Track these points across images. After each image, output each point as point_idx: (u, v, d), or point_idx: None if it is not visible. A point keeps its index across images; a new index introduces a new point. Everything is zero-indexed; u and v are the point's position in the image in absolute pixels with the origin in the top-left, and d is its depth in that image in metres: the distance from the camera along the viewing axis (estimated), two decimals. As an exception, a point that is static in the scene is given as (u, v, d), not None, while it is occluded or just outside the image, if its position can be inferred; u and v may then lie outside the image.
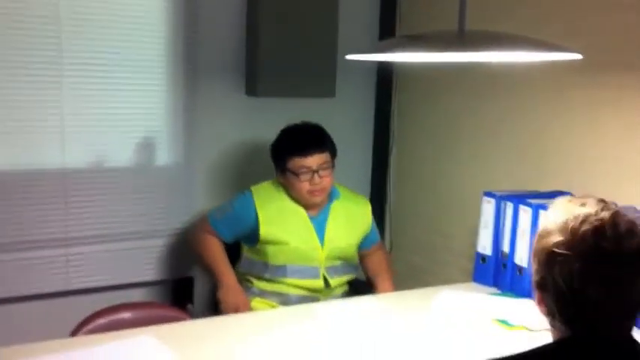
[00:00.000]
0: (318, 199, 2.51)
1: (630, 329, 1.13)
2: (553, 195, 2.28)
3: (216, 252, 2.58)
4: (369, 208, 2.70)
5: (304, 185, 2.47)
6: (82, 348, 1.80)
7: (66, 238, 2.73)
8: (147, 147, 2.86)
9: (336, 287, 2.58)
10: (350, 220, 2.61)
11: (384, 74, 3.26)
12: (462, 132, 2.91)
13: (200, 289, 2.97)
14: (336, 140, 2.59)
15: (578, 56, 1.48)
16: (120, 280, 2.85)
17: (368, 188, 3.33)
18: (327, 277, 2.54)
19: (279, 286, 2.52)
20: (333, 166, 2.53)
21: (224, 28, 2.93)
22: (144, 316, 2.13)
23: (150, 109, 2.83)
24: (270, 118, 2.94)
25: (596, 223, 1.10)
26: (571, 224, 1.10)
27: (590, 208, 1.13)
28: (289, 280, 2.51)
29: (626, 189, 2.20)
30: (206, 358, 1.80)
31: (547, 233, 1.14)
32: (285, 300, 2.49)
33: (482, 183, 2.65)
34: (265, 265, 2.53)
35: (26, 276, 2.68)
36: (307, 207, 2.54)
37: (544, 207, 2.11)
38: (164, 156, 2.90)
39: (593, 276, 1.08)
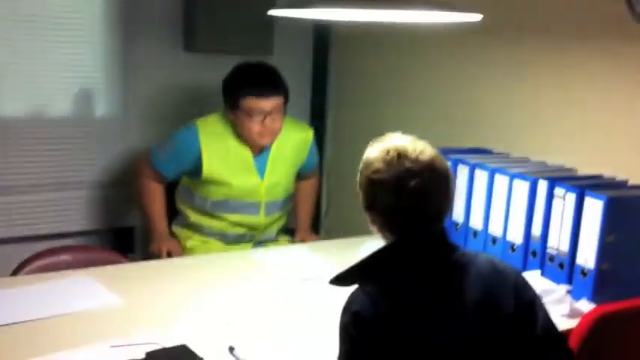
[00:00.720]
0: (266, 141, 2.50)
1: (442, 229, 1.42)
2: (472, 151, 2.45)
3: (154, 204, 2.60)
4: (311, 134, 2.70)
5: (255, 126, 2.44)
6: (21, 286, 1.88)
7: (7, 186, 2.78)
8: (85, 98, 2.90)
9: (273, 223, 2.66)
10: (291, 152, 2.63)
11: (321, 33, 3.32)
12: (393, 91, 3.02)
13: (141, 239, 3.04)
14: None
15: (478, 17, 1.61)
16: (61, 229, 2.91)
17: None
18: (267, 212, 2.59)
19: (218, 223, 2.57)
20: (285, 112, 2.52)
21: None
22: (83, 259, 2.19)
23: (87, 61, 2.87)
24: (207, 73, 2.99)
25: (399, 149, 1.40)
26: (382, 155, 1.40)
27: (394, 141, 1.43)
28: (229, 216, 2.56)
29: (539, 145, 2.37)
30: (142, 297, 1.90)
31: (367, 166, 1.42)
32: (222, 237, 2.56)
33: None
34: (205, 200, 2.55)
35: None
36: (253, 147, 2.54)
37: (463, 161, 2.26)
38: (102, 107, 2.95)
39: (403, 190, 1.36)
